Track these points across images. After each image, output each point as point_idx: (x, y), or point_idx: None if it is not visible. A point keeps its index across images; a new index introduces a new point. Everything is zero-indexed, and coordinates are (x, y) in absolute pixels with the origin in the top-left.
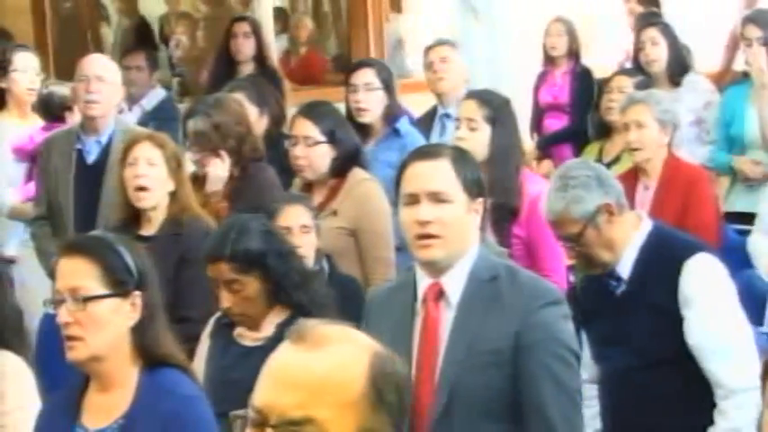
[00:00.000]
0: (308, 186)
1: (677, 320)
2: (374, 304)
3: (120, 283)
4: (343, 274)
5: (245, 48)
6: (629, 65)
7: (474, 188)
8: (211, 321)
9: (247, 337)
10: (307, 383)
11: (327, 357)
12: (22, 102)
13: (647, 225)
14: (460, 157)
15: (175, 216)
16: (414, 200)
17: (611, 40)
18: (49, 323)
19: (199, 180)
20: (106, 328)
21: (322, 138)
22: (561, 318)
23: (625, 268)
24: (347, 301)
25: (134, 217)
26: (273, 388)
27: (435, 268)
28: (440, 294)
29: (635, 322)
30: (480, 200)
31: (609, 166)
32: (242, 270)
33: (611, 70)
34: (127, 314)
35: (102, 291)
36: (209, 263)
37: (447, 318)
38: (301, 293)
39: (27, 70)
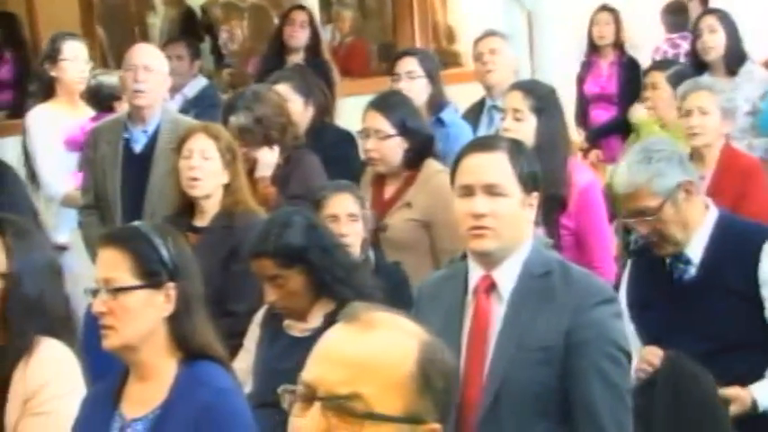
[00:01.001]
0: (381, 178)
1: (756, 303)
2: (424, 294)
3: (152, 275)
4: (389, 263)
5: (300, 35)
6: (657, 57)
7: (529, 182)
8: (262, 311)
9: (296, 328)
10: (355, 361)
11: (377, 339)
12: (72, 91)
13: (714, 210)
14: (517, 150)
15: (228, 209)
16: (469, 192)
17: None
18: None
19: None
20: (138, 318)
21: (393, 131)
22: (613, 316)
23: (696, 252)
24: (394, 290)
25: (189, 207)
26: (323, 364)
27: (488, 260)
28: (491, 287)
29: (708, 307)
30: (535, 194)
31: None
32: (284, 265)
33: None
34: (160, 305)
35: (134, 282)
36: (252, 258)
37: (498, 311)
38: (345, 287)
39: (76, 59)
